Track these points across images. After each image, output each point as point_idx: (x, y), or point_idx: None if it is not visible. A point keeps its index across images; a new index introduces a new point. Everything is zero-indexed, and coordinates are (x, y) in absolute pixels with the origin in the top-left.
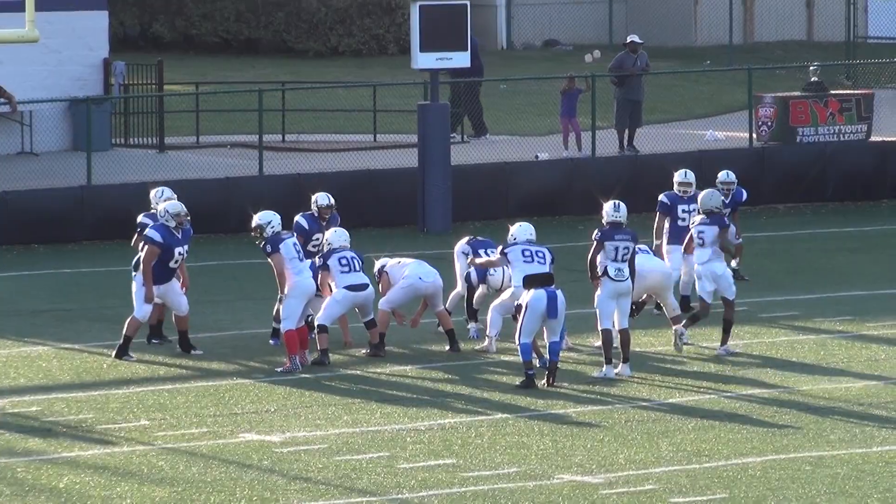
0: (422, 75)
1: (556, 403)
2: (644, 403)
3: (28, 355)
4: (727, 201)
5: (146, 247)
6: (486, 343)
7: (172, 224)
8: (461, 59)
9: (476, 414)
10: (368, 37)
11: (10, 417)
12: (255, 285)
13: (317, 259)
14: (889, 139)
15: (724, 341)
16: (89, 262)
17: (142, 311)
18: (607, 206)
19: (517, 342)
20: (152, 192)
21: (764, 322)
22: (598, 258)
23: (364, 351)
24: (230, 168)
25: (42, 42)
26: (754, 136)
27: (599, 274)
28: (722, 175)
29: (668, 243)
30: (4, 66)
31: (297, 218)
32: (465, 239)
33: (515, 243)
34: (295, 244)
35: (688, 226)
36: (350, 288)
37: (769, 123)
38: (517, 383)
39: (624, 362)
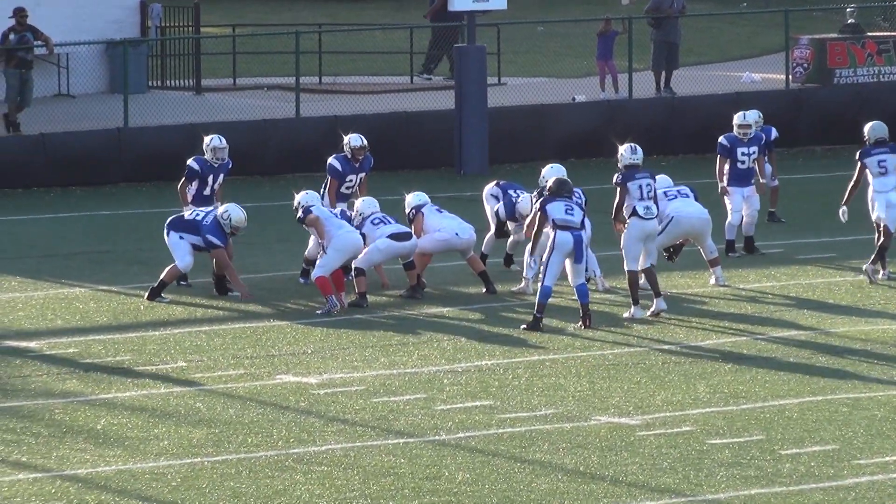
0: (458, 17)
1: (593, 345)
2: (681, 345)
3: (65, 297)
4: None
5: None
6: (522, 285)
7: (228, 230)
8: (498, 2)
9: (513, 356)
10: None
11: (47, 359)
12: (292, 227)
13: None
14: None
15: (883, 266)
16: (126, 204)
17: (184, 261)
18: (624, 150)
19: (540, 283)
20: (206, 140)
21: (801, 264)
22: (625, 202)
23: (401, 293)
24: (267, 110)
25: None
26: (790, 77)
27: (627, 216)
28: (749, 115)
29: (729, 185)
30: (42, 7)
31: (331, 160)
32: (494, 182)
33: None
34: (332, 211)
35: (749, 167)
36: (394, 237)
37: (805, 65)
38: (523, 326)
39: (657, 297)
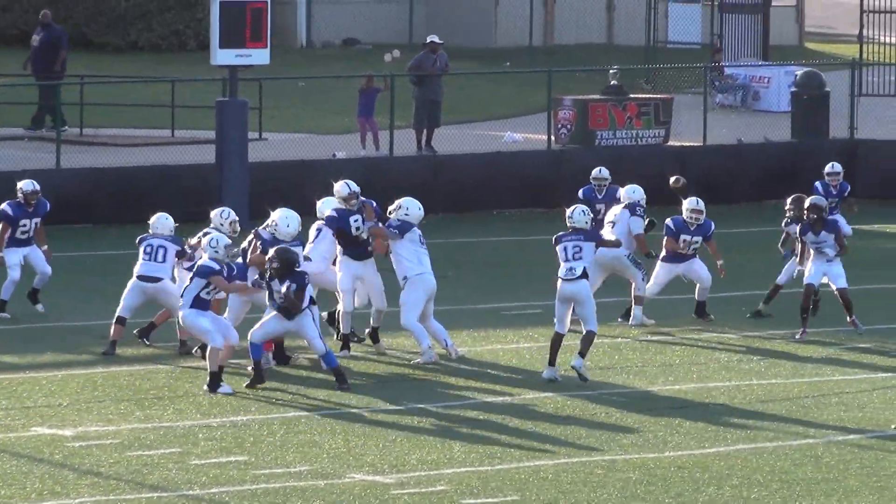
0: (220, 71)
1: (349, 402)
2: (436, 404)
3: None
4: (835, 192)
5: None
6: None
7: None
8: (260, 57)
9: (268, 412)
10: (168, 32)
11: None
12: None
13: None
14: (687, 144)
15: None
16: None
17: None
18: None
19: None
20: (213, 213)
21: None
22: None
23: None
24: (27, 161)
25: None
26: (553, 138)
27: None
28: (828, 167)
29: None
30: None
31: (3, 206)
32: None
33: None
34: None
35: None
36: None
37: (569, 126)
38: (245, 384)
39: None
